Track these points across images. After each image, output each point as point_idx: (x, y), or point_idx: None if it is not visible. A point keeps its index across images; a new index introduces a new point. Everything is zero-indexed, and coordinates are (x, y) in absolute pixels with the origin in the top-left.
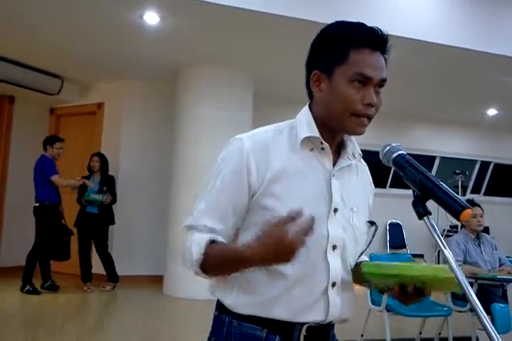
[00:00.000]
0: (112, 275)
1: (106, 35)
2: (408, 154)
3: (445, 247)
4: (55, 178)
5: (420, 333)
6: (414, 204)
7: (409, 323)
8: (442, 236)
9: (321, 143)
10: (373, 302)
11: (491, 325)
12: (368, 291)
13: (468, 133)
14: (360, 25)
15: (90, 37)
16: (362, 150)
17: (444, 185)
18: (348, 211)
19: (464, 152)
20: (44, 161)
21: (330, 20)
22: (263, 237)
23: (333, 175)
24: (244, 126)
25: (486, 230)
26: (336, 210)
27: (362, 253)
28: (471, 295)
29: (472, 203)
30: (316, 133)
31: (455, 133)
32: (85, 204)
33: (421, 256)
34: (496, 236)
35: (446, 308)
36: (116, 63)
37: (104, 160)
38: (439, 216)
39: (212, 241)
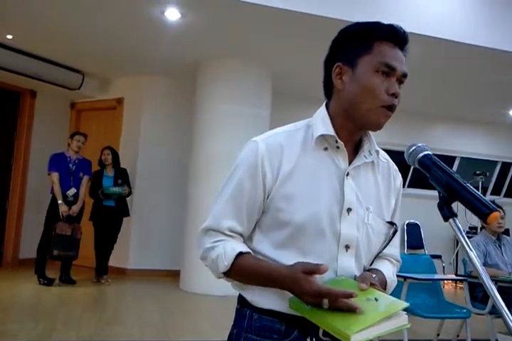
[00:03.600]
0: (105, 269)
1: (127, 31)
2: None
3: (471, 250)
4: (51, 176)
5: (438, 335)
6: (440, 206)
7: (427, 324)
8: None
9: (336, 141)
10: None
11: None
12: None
13: (490, 134)
14: (383, 22)
15: (111, 32)
16: (382, 150)
17: (471, 187)
18: (363, 210)
19: (484, 152)
20: (51, 157)
21: (351, 18)
22: (288, 277)
23: (348, 174)
24: (263, 121)
25: (507, 232)
26: (349, 210)
27: (376, 256)
28: (496, 298)
29: (496, 206)
30: (330, 131)
31: (476, 133)
32: (103, 198)
33: (439, 257)
34: None
35: (465, 310)
36: (136, 58)
37: (115, 154)
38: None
39: (240, 253)
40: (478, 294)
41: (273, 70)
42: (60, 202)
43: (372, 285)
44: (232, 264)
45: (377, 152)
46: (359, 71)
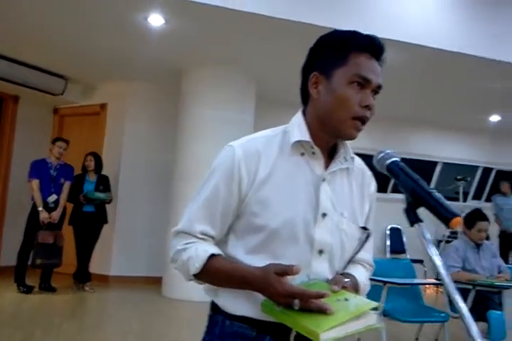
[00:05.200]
0: (88, 276)
1: (111, 36)
2: (410, 159)
3: (435, 255)
4: (31, 183)
5: (417, 339)
6: (407, 212)
7: (406, 328)
8: (442, 241)
9: (312, 147)
10: None
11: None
12: (365, 296)
13: (471, 139)
14: (360, 33)
15: (95, 37)
16: (363, 155)
17: (436, 193)
18: (338, 216)
19: (466, 158)
20: (31, 164)
21: (332, 25)
22: (261, 278)
23: (324, 180)
24: (247, 127)
25: (486, 236)
26: (324, 215)
27: (350, 261)
28: (457, 303)
29: (484, 217)
30: (306, 137)
31: (457, 138)
32: (84, 202)
33: (420, 261)
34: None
35: (443, 314)
36: (120, 64)
37: (98, 160)
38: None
39: (213, 255)
40: None
41: (257, 77)
42: (40, 209)
43: (344, 288)
44: (205, 266)
45: (352, 158)
46: (334, 82)
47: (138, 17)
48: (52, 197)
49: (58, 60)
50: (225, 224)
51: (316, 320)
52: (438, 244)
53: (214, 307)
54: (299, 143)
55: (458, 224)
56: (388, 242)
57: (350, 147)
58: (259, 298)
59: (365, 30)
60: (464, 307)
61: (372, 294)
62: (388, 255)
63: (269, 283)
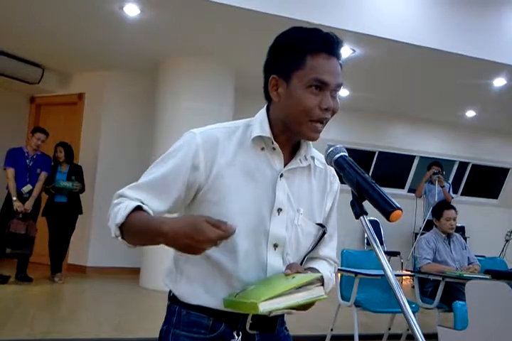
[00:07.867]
0: (59, 267)
1: (87, 25)
2: (388, 153)
3: (378, 246)
4: (6, 171)
5: (389, 329)
6: (352, 204)
7: (379, 319)
8: (418, 234)
9: (272, 142)
10: (343, 298)
11: (415, 324)
12: (338, 286)
13: (448, 134)
14: (316, 31)
15: (71, 26)
16: (320, 154)
17: (378, 187)
18: (294, 212)
19: (442, 152)
20: (8, 152)
21: (313, 19)
22: (187, 223)
23: (281, 176)
24: (225, 119)
25: (462, 229)
26: (280, 210)
27: (306, 255)
28: (401, 297)
29: (448, 206)
30: (267, 133)
31: (435, 133)
32: (53, 192)
33: (397, 253)
34: (472, 235)
35: (414, 305)
36: (97, 54)
37: (68, 150)
38: (416, 215)
39: (140, 208)
40: (427, 289)
41: (236, 68)
42: (14, 198)
43: (298, 272)
44: (128, 216)
45: (312, 158)
46: (293, 85)
47: (113, 6)
48: (27, 188)
49: (35, 49)
50: (166, 206)
51: (257, 293)
52: (415, 236)
53: (171, 297)
54: (260, 138)
55: (398, 217)
56: (365, 234)
57: (311, 146)
58: (215, 287)
59: (344, 25)
60: (405, 300)
61: (347, 285)
62: (366, 247)
63: (197, 230)
